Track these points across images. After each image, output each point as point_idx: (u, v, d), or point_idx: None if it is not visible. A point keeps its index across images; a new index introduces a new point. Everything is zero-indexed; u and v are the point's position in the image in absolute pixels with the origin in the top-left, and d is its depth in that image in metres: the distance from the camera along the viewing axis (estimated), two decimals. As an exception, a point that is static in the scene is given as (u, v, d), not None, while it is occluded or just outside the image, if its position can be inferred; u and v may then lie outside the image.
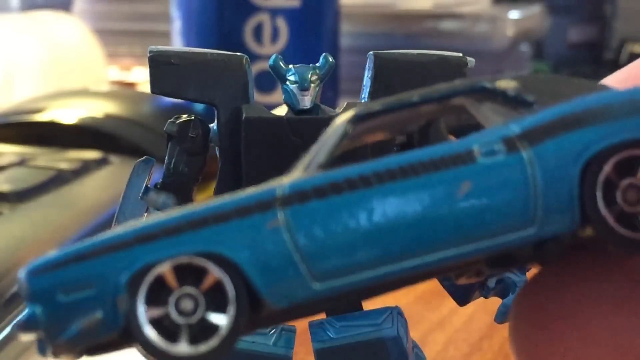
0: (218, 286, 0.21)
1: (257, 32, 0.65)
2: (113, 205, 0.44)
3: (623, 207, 0.22)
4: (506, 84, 0.23)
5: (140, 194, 0.29)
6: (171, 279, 0.21)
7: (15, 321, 0.21)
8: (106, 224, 0.32)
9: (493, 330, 0.45)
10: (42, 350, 0.21)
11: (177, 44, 0.69)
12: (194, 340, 0.20)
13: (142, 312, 0.20)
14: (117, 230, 0.21)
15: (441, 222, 0.21)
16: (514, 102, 0.23)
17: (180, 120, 0.29)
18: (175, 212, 0.21)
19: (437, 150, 0.22)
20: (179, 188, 0.29)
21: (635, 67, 0.27)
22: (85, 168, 0.52)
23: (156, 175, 0.29)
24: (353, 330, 0.29)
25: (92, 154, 0.54)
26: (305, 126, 0.28)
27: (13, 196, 0.46)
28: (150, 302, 0.20)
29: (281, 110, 0.29)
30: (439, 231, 0.21)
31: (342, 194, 0.21)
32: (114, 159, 0.55)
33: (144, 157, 0.29)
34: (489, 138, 0.22)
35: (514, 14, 0.84)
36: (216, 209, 0.21)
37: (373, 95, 0.29)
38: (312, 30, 0.67)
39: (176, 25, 0.69)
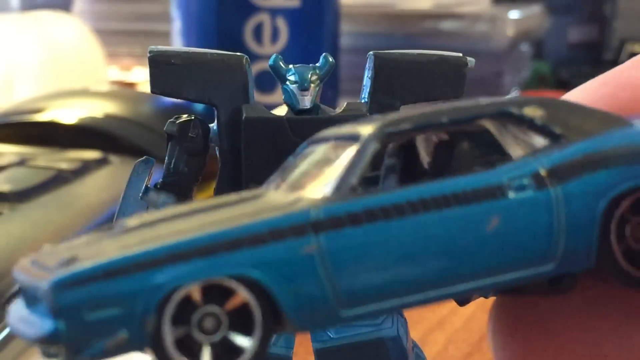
0: (242, 307, 0.20)
1: (257, 32, 0.65)
2: (113, 205, 0.44)
3: (630, 244, 0.22)
4: (533, 112, 0.23)
5: (140, 194, 0.29)
6: (197, 298, 0.20)
7: (33, 332, 0.20)
8: (106, 224, 0.32)
9: (493, 330, 0.45)
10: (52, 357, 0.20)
11: (177, 44, 0.69)
12: None
13: (168, 333, 0.20)
14: (142, 244, 0.20)
15: (467, 255, 0.21)
16: (541, 132, 0.23)
17: (180, 120, 0.29)
18: (208, 229, 0.20)
19: (469, 182, 0.22)
20: (179, 188, 0.29)
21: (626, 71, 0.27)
22: (85, 168, 0.52)
23: (156, 175, 0.29)
24: (353, 330, 0.29)
25: (92, 154, 0.54)
26: (305, 126, 0.28)
27: (13, 196, 0.46)
28: (175, 321, 0.20)
29: (281, 110, 0.29)
30: (465, 264, 0.21)
31: (376, 223, 0.21)
32: (114, 159, 0.55)
33: (144, 157, 0.29)
34: (519, 172, 0.22)
35: (514, 14, 0.84)
36: (250, 230, 0.20)
37: (373, 95, 0.29)
38: (312, 30, 0.67)
39: (176, 25, 0.69)
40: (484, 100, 0.24)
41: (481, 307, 0.37)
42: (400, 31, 0.85)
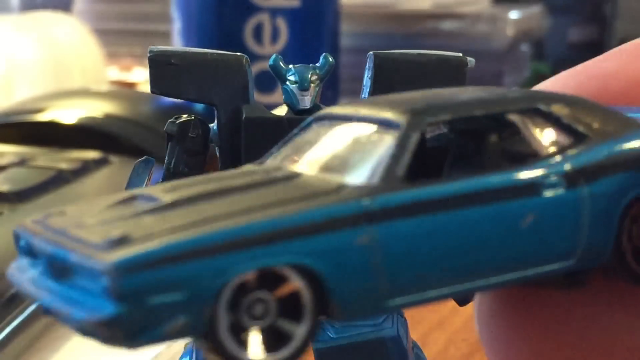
0: (290, 294, 0.20)
1: (257, 32, 0.65)
2: (113, 205, 0.44)
3: (637, 243, 0.23)
4: (560, 110, 0.24)
5: (140, 194, 0.29)
6: (250, 285, 0.20)
7: (86, 315, 0.19)
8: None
9: (493, 330, 0.45)
10: (110, 342, 0.20)
11: (177, 44, 0.69)
12: (266, 348, 0.20)
13: (224, 319, 0.20)
14: (200, 228, 0.20)
15: (503, 249, 0.22)
16: (566, 130, 0.24)
17: (180, 120, 0.29)
18: (262, 214, 0.20)
19: (509, 178, 0.22)
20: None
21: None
22: (85, 168, 0.52)
23: (156, 175, 0.29)
24: (353, 330, 0.29)
25: (92, 154, 0.54)
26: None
27: (13, 196, 0.46)
28: (229, 307, 0.20)
29: (281, 110, 0.29)
30: (500, 258, 0.22)
31: (424, 215, 0.21)
32: (114, 159, 0.55)
33: (144, 157, 0.29)
34: (552, 170, 0.23)
35: (514, 14, 0.84)
36: (308, 219, 0.20)
37: (373, 95, 0.29)
38: (312, 30, 0.67)
39: (176, 25, 0.69)
40: (511, 94, 0.24)
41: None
42: (400, 31, 0.85)
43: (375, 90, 0.29)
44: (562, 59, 1.05)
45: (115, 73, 0.93)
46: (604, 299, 0.25)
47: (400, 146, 0.22)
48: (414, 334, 0.30)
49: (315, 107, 0.29)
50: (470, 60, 0.30)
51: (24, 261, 0.22)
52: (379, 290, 0.21)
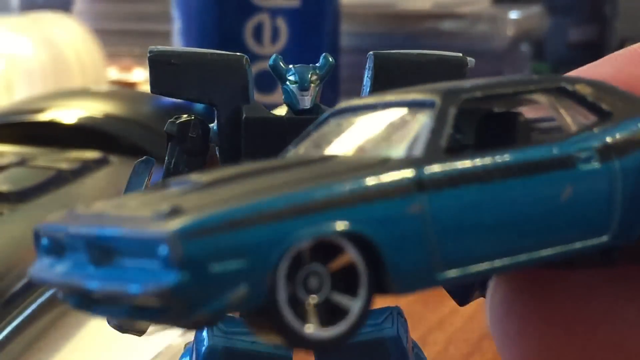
0: (344, 268, 0.20)
1: (257, 32, 0.65)
2: (113, 205, 0.44)
3: None
4: (584, 89, 0.24)
5: (141, 194, 0.29)
6: (307, 256, 0.19)
7: (146, 287, 0.18)
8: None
9: (493, 330, 0.45)
10: (160, 320, 0.19)
11: (177, 44, 0.69)
12: (323, 322, 0.19)
13: (282, 290, 0.19)
14: (262, 194, 0.19)
15: (545, 222, 0.22)
16: (591, 108, 0.24)
17: (180, 120, 0.29)
18: (321, 183, 0.20)
19: (548, 151, 0.22)
20: (179, 188, 0.29)
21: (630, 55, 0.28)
22: (85, 168, 0.52)
23: (156, 175, 0.29)
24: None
25: (92, 154, 0.54)
26: (305, 126, 0.28)
27: (13, 196, 0.46)
28: (288, 278, 0.19)
29: (281, 110, 0.29)
30: (544, 232, 0.22)
31: (470, 186, 0.21)
32: (114, 159, 0.55)
33: (144, 157, 0.29)
34: (584, 145, 0.23)
35: (514, 14, 0.84)
36: (360, 186, 0.20)
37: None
38: (312, 30, 0.67)
39: (176, 25, 0.69)
40: (536, 77, 0.25)
41: (481, 307, 0.37)
42: (400, 31, 0.85)
43: (375, 90, 0.29)
44: (562, 59, 1.05)
45: (115, 73, 0.93)
46: (619, 291, 0.25)
47: (439, 120, 0.22)
48: (414, 334, 0.30)
49: (315, 107, 0.29)
50: (470, 60, 0.30)
51: (45, 260, 0.21)
52: (432, 262, 0.21)
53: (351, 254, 0.20)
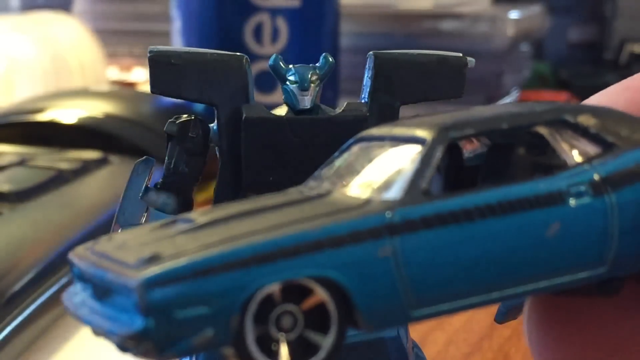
0: (317, 306, 0.21)
1: (257, 32, 0.65)
2: (113, 205, 0.44)
3: None
4: (587, 121, 0.24)
5: (140, 194, 0.29)
6: (278, 297, 0.21)
7: (119, 329, 0.20)
8: (106, 224, 0.32)
9: (493, 330, 0.45)
10: (141, 355, 0.20)
11: (177, 44, 0.69)
12: (295, 358, 0.21)
13: (250, 332, 0.20)
14: (226, 244, 0.21)
15: (528, 258, 0.22)
16: (594, 140, 0.24)
17: (180, 120, 0.29)
18: (288, 230, 0.21)
19: (533, 188, 0.22)
20: (179, 188, 0.29)
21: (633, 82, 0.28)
22: (85, 168, 0.52)
23: (156, 175, 0.29)
24: (353, 330, 0.29)
25: (92, 154, 0.54)
26: (305, 126, 0.28)
27: (13, 196, 0.46)
28: (256, 319, 0.20)
29: (281, 110, 0.29)
30: (525, 267, 0.22)
31: (447, 226, 0.22)
32: (114, 159, 0.55)
33: (144, 157, 0.29)
34: (577, 179, 0.23)
35: (514, 14, 0.84)
36: (330, 232, 0.21)
37: (373, 95, 0.29)
38: (312, 30, 0.67)
39: (176, 25, 0.69)
40: (539, 107, 0.24)
41: (481, 307, 0.37)
42: (400, 31, 0.85)
43: (375, 90, 0.29)
44: (562, 59, 1.05)
45: (115, 73, 0.93)
46: None
47: (424, 160, 0.22)
48: (414, 334, 0.30)
49: (315, 107, 0.29)
50: (470, 60, 0.30)
51: (78, 286, 0.23)
52: (404, 300, 0.21)
53: (321, 295, 0.21)
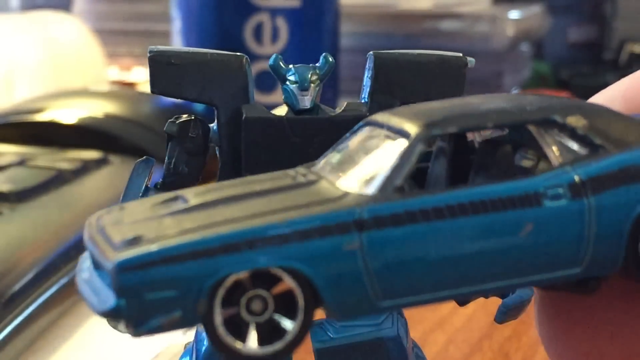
0: (287, 292, 0.22)
1: (257, 32, 0.65)
2: (113, 206, 0.44)
3: None
4: (576, 122, 0.24)
5: (140, 194, 0.29)
6: (247, 283, 0.22)
7: (99, 305, 0.22)
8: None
9: (493, 330, 0.46)
10: (120, 329, 0.22)
11: (177, 44, 0.69)
12: (261, 341, 0.22)
13: (218, 314, 0.22)
14: (200, 231, 0.22)
15: (499, 256, 0.23)
16: (581, 141, 0.24)
17: (180, 120, 0.29)
18: (260, 221, 0.22)
19: (507, 189, 0.23)
20: (179, 188, 0.29)
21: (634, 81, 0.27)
22: (85, 168, 0.52)
23: (156, 175, 0.29)
24: (353, 330, 0.29)
25: (92, 154, 0.54)
26: (305, 126, 0.28)
27: (13, 196, 0.46)
28: (225, 303, 0.22)
29: (281, 110, 0.29)
30: (496, 265, 0.23)
31: (416, 224, 0.22)
32: (114, 159, 0.55)
33: (144, 157, 0.29)
34: (556, 181, 0.23)
35: (514, 14, 0.84)
36: (298, 225, 0.22)
37: (373, 95, 0.29)
38: (312, 30, 0.67)
39: (176, 25, 0.69)
40: (531, 103, 0.24)
41: (481, 307, 0.37)
42: (400, 31, 0.85)
43: (375, 90, 0.29)
44: (562, 59, 1.05)
45: (115, 73, 0.93)
46: None
47: (403, 157, 0.23)
48: (414, 334, 0.30)
49: (315, 107, 0.29)
50: (470, 60, 0.30)
51: (87, 252, 0.24)
52: (370, 292, 0.22)
53: (289, 283, 0.22)
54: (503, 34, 0.82)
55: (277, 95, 0.30)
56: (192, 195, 0.24)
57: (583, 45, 1.08)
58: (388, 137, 0.24)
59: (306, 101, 0.28)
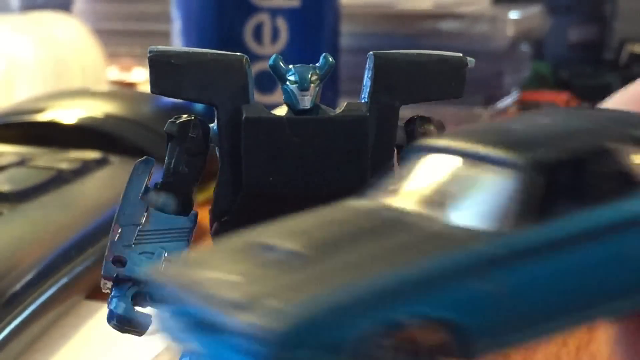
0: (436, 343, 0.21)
1: (257, 32, 0.65)
2: (113, 205, 0.44)
3: None
4: None
5: (140, 194, 0.29)
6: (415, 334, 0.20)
7: None
8: (106, 224, 0.32)
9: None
10: None
11: (177, 44, 0.69)
12: None
13: None
14: (338, 290, 0.20)
15: (612, 282, 0.22)
16: None
17: (180, 120, 0.29)
18: (397, 270, 0.20)
19: (620, 211, 0.22)
20: (179, 188, 0.29)
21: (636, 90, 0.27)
22: (85, 168, 0.52)
23: (156, 175, 0.29)
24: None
25: (92, 154, 0.54)
26: (305, 126, 0.28)
27: (13, 196, 0.46)
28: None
29: (281, 110, 0.29)
30: (619, 288, 0.23)
31: (545, 257, 0.22)
32: (114, 159, 0.55)
33: (144, 157, 0.29)
34: None
35: (514, 14, 0.84)
36: (439, 271, 0.21)
37: (373, 95, 0.29)
38: (312, 30, 0.67)
39: (176, 25, 0.69)
40: (612, 121, 0.24)
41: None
42: (400, 31, 0.85)
43: (375, 90, 0.29)
44: (562, 59, 1.05)
45: (115, 73, 0.93)
46: None
47: (523, 190, 0.22)
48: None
49: (315, 107, 0.29)
50: (470, 60, 0.30)
51: (168, 308, 0.22)
52: (511, 329, 0.21)
53: (441, 334, 0.20)
54: (503, 34, 0.82)
55: (277, 95, 0.30)
56: (282, 241, 0.22)
57: (583, 45, 1.08)
58: (479, 165, 0.23)
59: (306, 101, 0.28)
